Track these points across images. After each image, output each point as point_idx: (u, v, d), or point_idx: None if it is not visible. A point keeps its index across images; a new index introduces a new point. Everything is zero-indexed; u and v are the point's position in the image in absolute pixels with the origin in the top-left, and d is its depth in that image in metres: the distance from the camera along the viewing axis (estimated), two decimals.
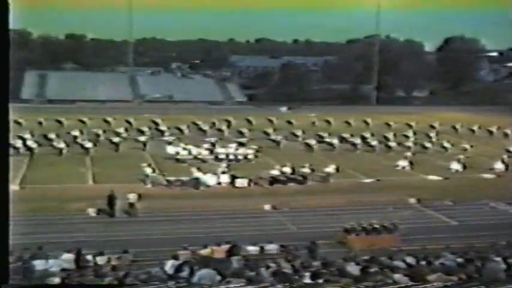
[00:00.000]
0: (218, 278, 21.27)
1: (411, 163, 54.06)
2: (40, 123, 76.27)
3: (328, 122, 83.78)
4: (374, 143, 64.38)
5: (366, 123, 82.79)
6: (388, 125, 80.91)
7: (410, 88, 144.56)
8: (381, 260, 23.87)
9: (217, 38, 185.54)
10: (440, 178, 48.50)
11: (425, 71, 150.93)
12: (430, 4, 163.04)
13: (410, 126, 78.91)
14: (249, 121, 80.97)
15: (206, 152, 55.98)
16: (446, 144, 64.34)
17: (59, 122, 76.73)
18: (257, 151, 57.51)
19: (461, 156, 55.50)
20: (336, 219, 34.34)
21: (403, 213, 36.63)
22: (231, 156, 55.06)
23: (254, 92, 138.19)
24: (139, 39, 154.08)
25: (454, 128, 79.98)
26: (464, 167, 52.45)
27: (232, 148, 57.06)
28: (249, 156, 55.76)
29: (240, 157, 55.25)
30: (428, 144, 64.86)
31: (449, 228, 34.80)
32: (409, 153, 58.17)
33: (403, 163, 53.86)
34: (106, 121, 78.06)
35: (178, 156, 54.30)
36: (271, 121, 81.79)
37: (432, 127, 79.37)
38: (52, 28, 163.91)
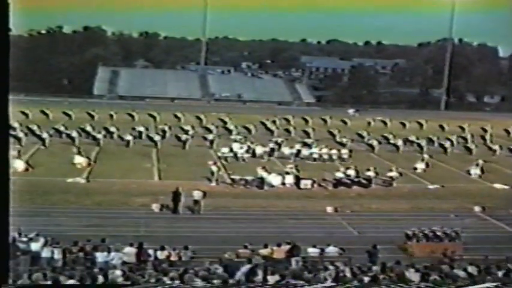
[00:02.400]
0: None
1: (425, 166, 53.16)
2: (111, 116, 78.07)
3: (384, 123, 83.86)
4: (447, 145, 63.37)
5: (421, 125, 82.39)
6: (441, 127, 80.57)
7: (481, 94, 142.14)
8: (442, 268, 23.69)
9: (289, 39, 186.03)
10: (507, 187, 47.56)
11: (497, 76, 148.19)
12: (507, 8, 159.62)
13: (463, 130, 78.26)
14: (306, 121, 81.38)
15: (272, 152, 56.26)
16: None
17: (131, 116, 78.47)
18: (350, 151, 57.75)
19: (480, 161, 54.11)
20: (398, 224, 34.15)
21: (466, 221, 36.08)
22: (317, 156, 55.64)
23: (323, 93, 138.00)
24: (211, 38, 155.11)
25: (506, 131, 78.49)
26: (482, 171, 51.57)
27: (295, 148, 57.09)
28: (344, 156, 55.84)
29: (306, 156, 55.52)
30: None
31: None
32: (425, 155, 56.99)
33: (420, 165, 53.05)
34: (176, 116, 79.28)
35: (244, 155, 54.51)
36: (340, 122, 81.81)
37: (484, 130, 78.32)
38: (126, 26, 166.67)
